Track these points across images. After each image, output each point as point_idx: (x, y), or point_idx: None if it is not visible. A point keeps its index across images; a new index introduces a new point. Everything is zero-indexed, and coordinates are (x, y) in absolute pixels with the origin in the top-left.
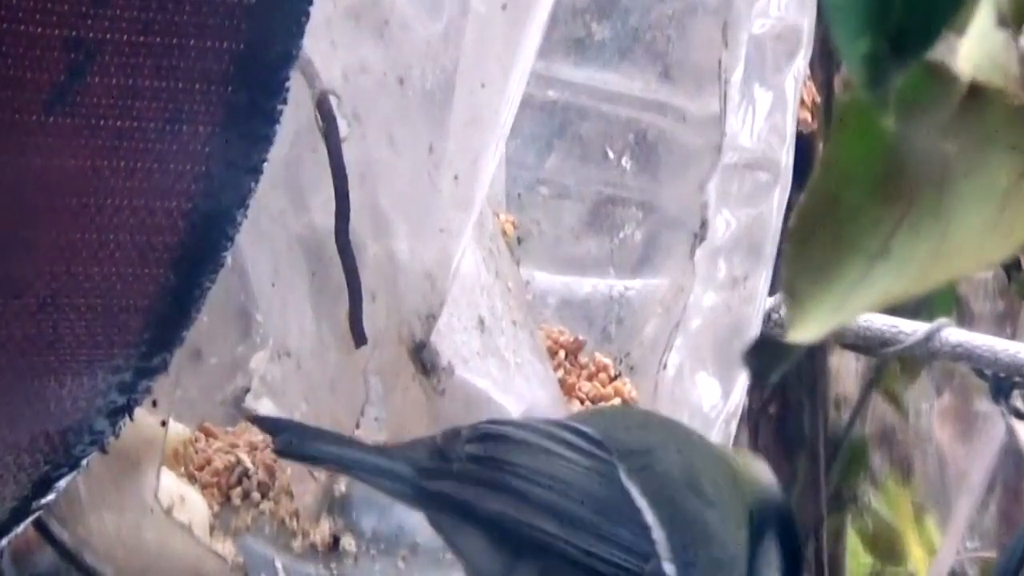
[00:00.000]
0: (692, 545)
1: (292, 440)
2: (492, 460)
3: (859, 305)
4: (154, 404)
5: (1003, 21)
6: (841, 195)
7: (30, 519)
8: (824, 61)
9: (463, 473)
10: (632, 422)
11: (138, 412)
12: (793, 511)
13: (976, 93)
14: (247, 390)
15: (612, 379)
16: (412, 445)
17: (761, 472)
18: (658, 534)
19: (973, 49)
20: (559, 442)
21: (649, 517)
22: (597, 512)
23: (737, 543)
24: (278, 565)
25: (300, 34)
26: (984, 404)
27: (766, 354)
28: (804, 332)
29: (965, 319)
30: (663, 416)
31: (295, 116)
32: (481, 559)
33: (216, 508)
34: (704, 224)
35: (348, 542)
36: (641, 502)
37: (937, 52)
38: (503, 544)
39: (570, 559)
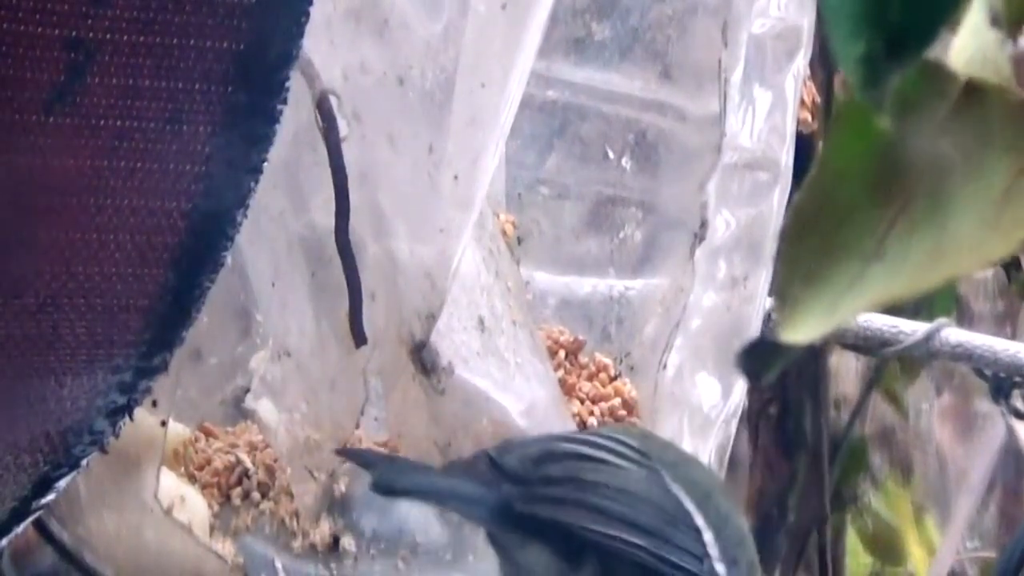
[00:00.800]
0: (733, 545)
1: (389, 475)
2: (571, 480)
3: (853, 306)
4: (154, 404)
5: (995, 20)
6: (835, 195)
7: (30, 519)
8: (824, 61)
9: (549, 496)
10: (654, 440)
11: (138, 412)
12: None
13: (972, 91)
14: (247, 390)
15: (612, 379)
16: (473, 463)
17: None
18: (708, 536)
19: (965, 48)
20: (610, 452)
21: (699, 520)
22: (659, 518)
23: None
24: (278, 565)
25: (300, 34)
26: (984, 404)
27: (759, 356)
28: (797, 333)
29: (965, 319)
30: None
31: (295, 116)
32: (546, 571)
33: (216, 508)
34: (704, 224)
35: (348, 542)
36: (690, 505)
37: (931, 51)
38: (568, 554)
39: (638, 563)
